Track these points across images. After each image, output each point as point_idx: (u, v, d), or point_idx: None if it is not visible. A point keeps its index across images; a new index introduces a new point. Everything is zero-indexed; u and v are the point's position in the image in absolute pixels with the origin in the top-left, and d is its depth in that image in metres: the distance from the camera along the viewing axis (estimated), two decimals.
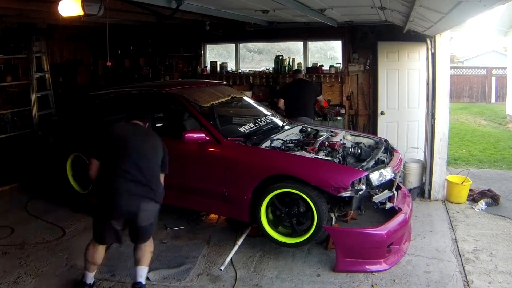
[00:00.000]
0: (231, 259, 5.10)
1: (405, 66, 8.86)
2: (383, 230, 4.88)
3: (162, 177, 4.45)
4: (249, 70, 10.27)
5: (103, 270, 4.89)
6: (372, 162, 5.28)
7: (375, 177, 4.95)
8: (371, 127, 9.37)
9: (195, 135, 5.40)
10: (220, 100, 6.35)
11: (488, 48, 29.80)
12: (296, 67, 9.69)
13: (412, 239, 5.60)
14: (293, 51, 10.26)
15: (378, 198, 5.03)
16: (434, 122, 6.85)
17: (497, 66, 21.88)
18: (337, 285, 4.62)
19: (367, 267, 4.85)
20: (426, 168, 7.12)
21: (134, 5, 5.53)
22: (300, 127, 6.49)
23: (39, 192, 7.39)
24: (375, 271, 4.81)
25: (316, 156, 5.14)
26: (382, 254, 4.90)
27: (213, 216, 6.36)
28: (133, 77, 10.61)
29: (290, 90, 8.21)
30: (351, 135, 6.51)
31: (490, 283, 4.59)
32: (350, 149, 5.69)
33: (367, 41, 9.23)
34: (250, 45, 11.18)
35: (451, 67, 7.57)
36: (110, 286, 4.62)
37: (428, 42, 6.74)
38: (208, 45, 10.65)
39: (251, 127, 5.98)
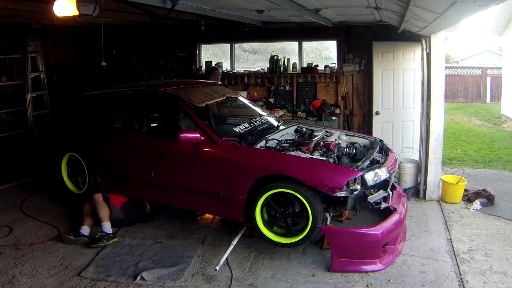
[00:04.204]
0: (226, 259, 5.10)
1: (400, 66, 8.88)
2: (378, 230, 4.88)
3: None
4: (244, 70, 10.25)
5: (98, 270, 4.89)
6: (367, 162, 5.28)
7: (370, 177, 4.95)
8: (366, 127, 9.39)
9: (190, 135, 5.39)
10: (215, 100, 6.36)
11: (483, 48, 29.93)
12: (291, 67, 9.71)
13: (407, 239, 5.61)
14: (288, 51, 10.26)
15: (373, 198, 5.02)
16: (429, 122, 6.86)
17: (492, 66, 21.97)
18: (332, 285, 4.62)
19: (362, 267, 4.85)
20: (421, 168, 7.14)
21: (129, 5, 5.51)
22: (295, 127, 6.49)
23: (35, 192, 7.38)
24: (370, 271, 4.82)
25: (311, 156, 5.13)
26: (377, 254, 4.90)
27: (208, 216, 6.36)
28: (128, 77, 10.58)
29: None
30: (346, 135, 6.51)
31: (485, 283, 4.60)
32: (345, 149, 5.68)
33: (362, 41, 9.24)
34: (245, 45, 11.17)
35: (446, 67, 7.60)
36: (105, 286, 4.61)
37: (423, 42, 6.76)
38: (203, 45, 10.63)
39: (246, 127, 5.97)
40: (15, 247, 5.49)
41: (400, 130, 9.02)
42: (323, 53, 10.50)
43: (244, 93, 9.68)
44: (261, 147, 5.44)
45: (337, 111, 9.40)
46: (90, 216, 5.85)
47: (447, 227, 6.03)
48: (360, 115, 9.55)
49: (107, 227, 5.65)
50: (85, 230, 5.67)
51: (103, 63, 7.05)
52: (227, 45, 10.48)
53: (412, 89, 8.86)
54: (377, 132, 8.83)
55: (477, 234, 5.78)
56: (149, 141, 6.01)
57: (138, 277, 4.71)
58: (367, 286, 4.60)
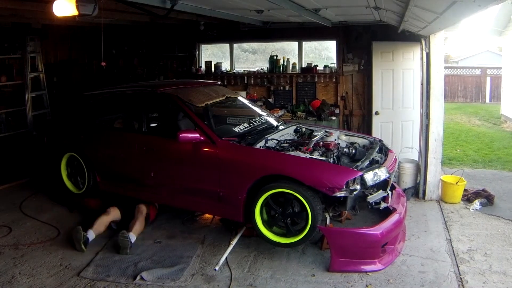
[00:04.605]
0: (225, 259, 5.10)
1: (399, 66, 8.88)
2: (377, 230, 4.88)
3: None
4: (244, 70, 10.25)
5: (98, 270, 4.89)
6: (367, 162, 5.28)
7: (370, 177, 4.95)
8: (366, 127, 9.38)
9: (190, 135, 5.38)
10: (215, 100, 6.35)
11: (483, 48, 29.88)
12: (290, 67, 9.71)
13: (406, 239, 5.61)
14: (288, 51, 10.26)
15: (372, 198, 5.02)
16: (428, 122, 6.86)
17: (492, 66, 21.95)
18: (332, 285, 4.62)
19: (362, 267, 4.85)
20: (421, 168, 7.14)
21: (128, 5, 5.50)
22: (295, 127, 6.49)
23: (35, 192, 7.38)
24: (370, 271, 4.82)
25: (311, 156, 5.13)
26: (376, 254, 4.91)
27: (208, 216, 6.36)
28: (127, 77, 10.58)
29: None
30: (345, 135, 6.51)
31: (484, 283, 4.60)
32: (345, 149, 5.68)
33: (361, 41, 9.24)
34: (245, 45, 11.18)
35: (445, 67, 7.60)
36: (104, 286, 4.61)
37: (423, 42, 6.75)
38: (202, 45, 10.63)
39: (245, 127, 5.97)
40: (15, 247, 5.48)
41: (399, 130, 9.02)
42: (323, 53, 10.50)
43: (244, 93, 9.68)
44: (260, 147, 5.43)
45: (337, 111, 9.40)
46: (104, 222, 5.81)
47: (447, 227, 6.03)
48: (360, 115, 9.55)
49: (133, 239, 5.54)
50: (91, 234, 5.55)
51: (103, 63, 7.06)
52: (227, 45, 10.47)
53: (411, 89, 8.86)
54: (376, 132, 8.83)
55: (477, 234, 5.78)
56: (149, 141, 6.00)
57: (138, 277, 4.71)
58: (366, 286, 4.60)
